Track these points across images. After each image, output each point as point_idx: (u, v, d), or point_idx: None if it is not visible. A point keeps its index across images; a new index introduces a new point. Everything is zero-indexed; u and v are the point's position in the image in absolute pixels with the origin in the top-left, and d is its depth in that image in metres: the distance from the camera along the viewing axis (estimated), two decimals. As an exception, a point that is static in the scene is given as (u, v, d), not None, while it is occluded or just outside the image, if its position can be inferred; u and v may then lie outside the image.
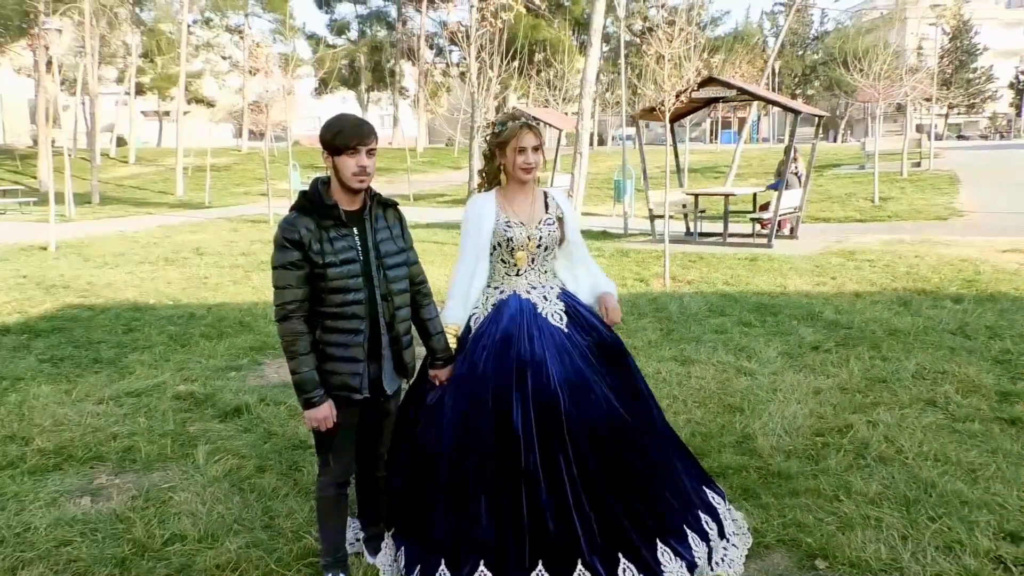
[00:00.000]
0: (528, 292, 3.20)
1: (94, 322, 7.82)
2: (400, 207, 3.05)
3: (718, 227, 13.99)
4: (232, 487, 3.96)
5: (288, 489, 3.92)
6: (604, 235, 14.74)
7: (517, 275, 3.22)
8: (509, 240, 3.16)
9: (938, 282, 8.87)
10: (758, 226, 13.56)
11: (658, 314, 7.73)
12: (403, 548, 3.09)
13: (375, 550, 3.24)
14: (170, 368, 6.17)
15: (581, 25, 42.64)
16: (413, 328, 3.06)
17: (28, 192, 26.96)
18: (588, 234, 14.21)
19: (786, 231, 13.57)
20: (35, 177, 31.99)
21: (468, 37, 16.78)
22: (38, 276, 10.77)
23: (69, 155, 19.50)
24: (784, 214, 13.06)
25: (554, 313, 3.18)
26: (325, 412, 2.78)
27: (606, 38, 40.48)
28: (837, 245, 12.22)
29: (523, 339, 3.08)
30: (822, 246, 12.18)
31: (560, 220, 3.27)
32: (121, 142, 45.20)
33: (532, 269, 3.22)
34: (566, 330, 3.15)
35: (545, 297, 3.21)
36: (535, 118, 3.21)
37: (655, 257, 11.29)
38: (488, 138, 3.23)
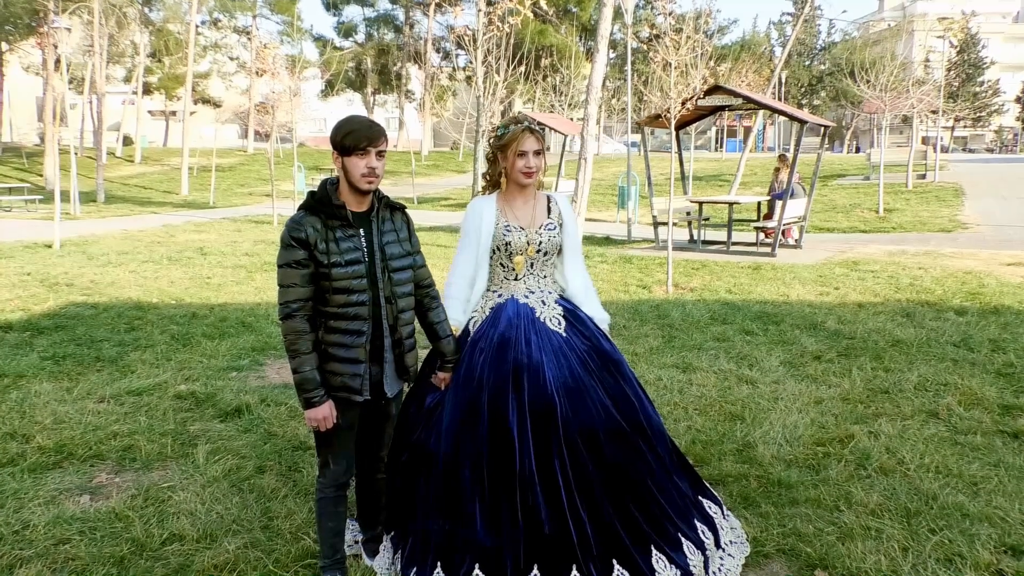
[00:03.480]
0: (526, 296, 3.20)
1: (97, 320, 7.83)
2: (407, 210, 3.06)
3: (722, 235, 13.99)
4: (231, 487, 3.96)
5: (287, 490, 3.92)
6: (608, 241, 14.74)
7: (515, 279, 3.21)
8: (508, 244, 3.16)
9: (942, 294, 8.85)
10: (762, 235, 13.56)
11: (660, 321, 7.72)
12: (400, 550, 3.09)
13: (373, 552, 3.23)
14: (171, 367, 6.18)
15: (588, 31, 42.69)
16: (417, 331, 3.06)
17: (34, 190, 27.00)
18: (592, 240, 14.21)
19: (790, 240, 13.57)
20: (41, 175, 32.08)
21: (475, 41, 16.80)
22: (42, 273, 10.79)
23: (75, 154, 19.54)
24: (788, 223, 13.06)
25: (552, 318, 3.18)
26: (325, 412, 2.79)
27: (613, 44, 40.54)
28: (841, 255, 12.20)
29: (520, 343, 3.08)
30: (826, 256, 12.17)
31: (561, 226, 3.26)
32: (128, 141, 45.34)
33: (531, 274, 3.22)
34: (564, 334, 3.15)
35: (543, 302, 3.21)
36: (539, 123, 3.21)
37: (658, 264, 11.29)
38: (491, 141, 3.23)
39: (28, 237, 15.33)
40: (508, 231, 3.16)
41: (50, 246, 13.73)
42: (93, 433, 4.69)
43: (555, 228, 3.23)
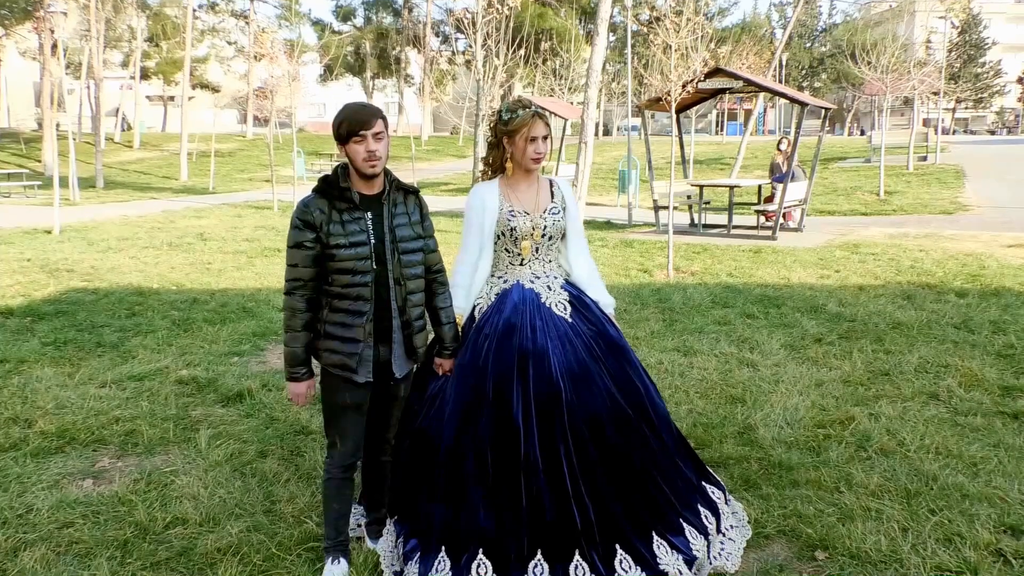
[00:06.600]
0: (532, 282, 3.19)
1: (97, 306, 7.84)
2: (421, 194, 3.07)
3: (722, 219, 13.96)
4: (233, 471, 3.98)
5: (289, 474, 3.94)
6: (608, 225, 14.71)
7: (521, 264, 3.20)
8: (513, 229, 3.14)
9: (942, 276, 8.85)
10: (763, 218, 13.54)
11: (661, 305, 7.72)
12: (404, 535, 3.10)
13: (376, 535, 3.24)
14: (173, 353, 6.18)
15: (588, 14, 42.43)
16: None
17: (32, 176, 26.94)
18: (592, 224, 14.19)
19: (791, 223, 13.54)
20: (39, 161, 32.00)
21: (474, 25, 16.70)
22: (42, 259, 10.79)
23: (73, 139, 19.48)
24: (789, 206, 13.03)
25: (558, 303, 3.17)
26: (302, 389, 2.92)
27: (613, 27, 40.27)
28: (841, 238, 12.19)
29: (526, 329, 3.07)
30: (826, 239, 12.16)
31: (564, 210, 3.25)
32: (126, 126, 45.20)
33: (536, 258, 3.21)
34: (570, 320, 3.14)
35: (549, 287, 3.19)
36: (539, 106, 3.19)
37: (659, 248, 11.28)
38: (494, 126, 3.19)
39: (28, 223, 15.30)
40: (512, 216, 3.14)
41: (50, 232, 13.72)
42: (95, 418, 4.70)
43: (559, 212, 3.22)
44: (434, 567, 2.90)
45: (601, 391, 3.05)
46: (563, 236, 3.27)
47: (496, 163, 3.21)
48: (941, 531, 3.29)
